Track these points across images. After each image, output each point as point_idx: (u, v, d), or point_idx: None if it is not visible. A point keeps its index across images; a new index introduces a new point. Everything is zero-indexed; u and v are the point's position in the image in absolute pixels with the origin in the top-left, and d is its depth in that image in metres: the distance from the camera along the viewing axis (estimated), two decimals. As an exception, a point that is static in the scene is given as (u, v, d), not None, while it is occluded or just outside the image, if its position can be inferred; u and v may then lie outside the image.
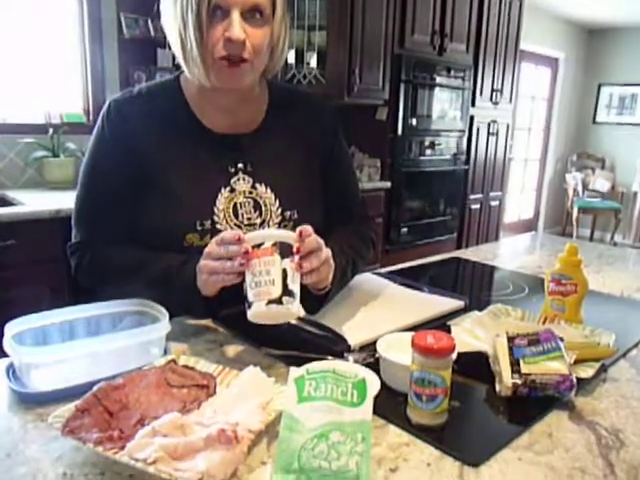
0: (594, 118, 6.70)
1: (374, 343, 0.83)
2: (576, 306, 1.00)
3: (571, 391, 0.74)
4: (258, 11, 0.92)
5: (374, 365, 0.80)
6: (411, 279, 1.26)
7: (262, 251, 0.79)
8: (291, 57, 3.15)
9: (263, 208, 1.05)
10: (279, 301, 0.77)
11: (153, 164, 1.00)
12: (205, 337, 0.95)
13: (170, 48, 0.98)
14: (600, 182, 6.42)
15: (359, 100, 3.30)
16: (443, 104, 3.79)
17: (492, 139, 4.33)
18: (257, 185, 1.05)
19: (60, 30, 2.80)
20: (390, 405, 0.73)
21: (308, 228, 0.82)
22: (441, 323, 0.99)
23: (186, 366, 0.77)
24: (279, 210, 1.05)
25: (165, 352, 0.83)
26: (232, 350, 0.91)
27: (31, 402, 0.72)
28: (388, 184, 3.49)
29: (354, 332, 0.93)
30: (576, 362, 0.80)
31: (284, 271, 0.79)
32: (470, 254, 1.62)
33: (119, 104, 1.02)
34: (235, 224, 1.02)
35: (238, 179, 1.04)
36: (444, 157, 3.90)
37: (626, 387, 0.82)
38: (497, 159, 4.45)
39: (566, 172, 6.64)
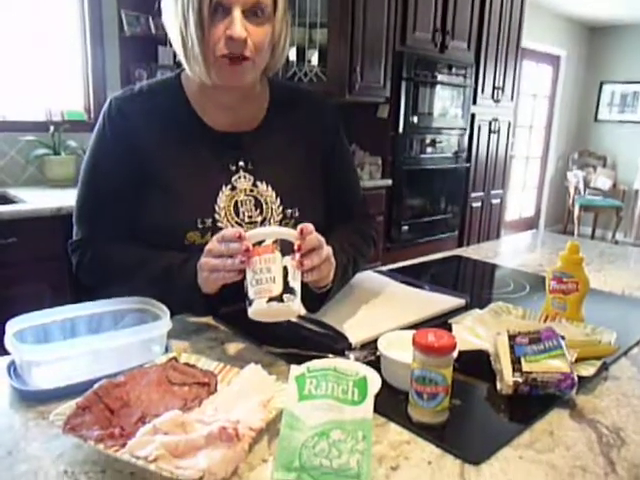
0: (596, 116, 6.69)
1: (375, 341, 0.83)
2: (577, 304, 0.99)
3: (572, 389, 0.73)
4: (259, 9, 0.92)
5: (375, 363, 0.80)
6: (412, 277, 1.26)
7: (263, 248, 0.79)
8: (292, 55, 3.15)
9: (264, 206, 1.05)
10: (280, 299, 0.77)
11: (154, 162, 1.00)
12: (206, 335, 0.95)
13: (171, 46, 0.98)
14: (601, 180, 6.41)
15: (360, 98, 3.30)
16: (444, 102, 3.78)
17: (493, 137, 4.32)
18: (258, 183, 1.05)
19: (61, 28, 2.80)
20: (391, 403, 0.73)
21: (309, 226, 0.82)
22: (442, 321, 0.99)
23: (187, 364, 0.77)
24: (280, 208, 1.05)
25: (166, 350, 0.83)
26: (233, 348, 0.91)
27: (32, 400, 0.72)
28: (389, 182, 3.49)
29: (355, 330, 0.93)
30: (577, 360, 0.80)
31: (285, 269, 0.79)
32: (471, 252, 1.62)
33: (120, 102, 1.02)
34: (236, 222, 1.02)
35: (239, 177, 1.04)
36: (445, 155, 3.89)
37: (627, 385, 0.82)
38: (498, 157, 4.44)
39: (567, 170, 6.63)
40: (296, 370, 0.69)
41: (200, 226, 0.99)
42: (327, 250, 0.86)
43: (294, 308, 0.79)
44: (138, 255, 0.99)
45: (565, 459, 0.64)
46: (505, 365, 0.76)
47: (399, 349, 0.77)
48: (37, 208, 2.14)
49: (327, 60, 3.18)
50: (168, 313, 0.85)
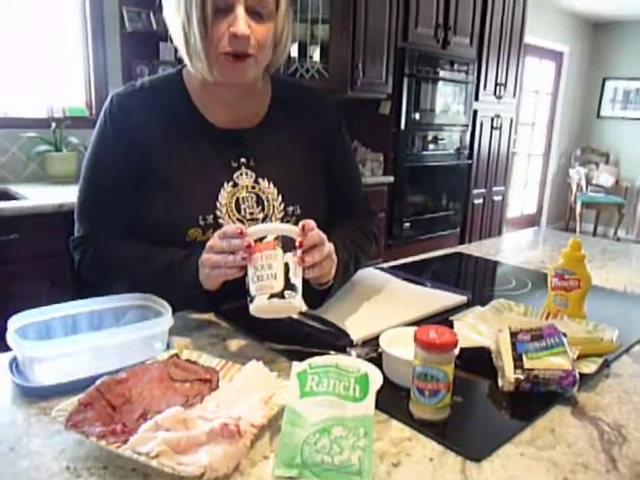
0: (598, 112, 6.67)
1: (377, 338, 0.83)
2: (579, 301, 0.99)
3: (574, 386, 0.73)
4: (262, 6, 0.92)
5: (377, 360, 0.80)
6: (414, 274, 1.26)
7: (264, 245, 0.79)
8: (294, 51, 3.14)
9: (265, 203, 1.04)
10: (281, 295, 0.77)
11: (155, 158, 1.00)
12: (208, 331, 0.95)
13: (172, 42, 0.98)
14: (604, 177, 6.40)
15: (362, 94, 3.29)
16: (446, 98, 3.77)
17: (495, 133, 4.31)
18: (260, 180, 1.05)
19: (62, 24, 2.80)
20: (392, 400, 0.73)
21: (311, 222, 0.82)
22: (444, 318, 0.99)
23: (189, 360, 0.77)
24: (282, 205, 1.05)
25: (168, 346, 0.84)
26: (235, 344, 0.91)
27: (34, 396, 0.72)
28: (391, 179, 3.48)
29: (357, 327, 0.93)
30: (579, 357, 0.80)
31: (286, 265, 0.79)
32: (473, 249, 1.62)
33: (121, 98, 1.02)
34: (237, 219, 1.02)
35: (241, 174, 1.04)
36: (447, 152, 3.89)
37: (629, 383, 0.82)
38: (500, 154, 4.44)
39: (570, 167, 6.62)
40: (298, 367, 0.69)
41: (201, 223, 0.99)
42: (329, 247, 0.86)
43: (295, 305, 0.79)
44: (139, 252, 0.99)
45: (566, 456, 0.64)
46: (507, 362, 0.76)
47: (401, 346, 0.77)
48: (38, 204, 2.14)
49: (329, 56, 3.18)
50: (170, 310, 0.85)
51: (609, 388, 0.80)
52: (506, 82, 4.28)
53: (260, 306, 0.78)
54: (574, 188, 6.40)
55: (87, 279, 1.06)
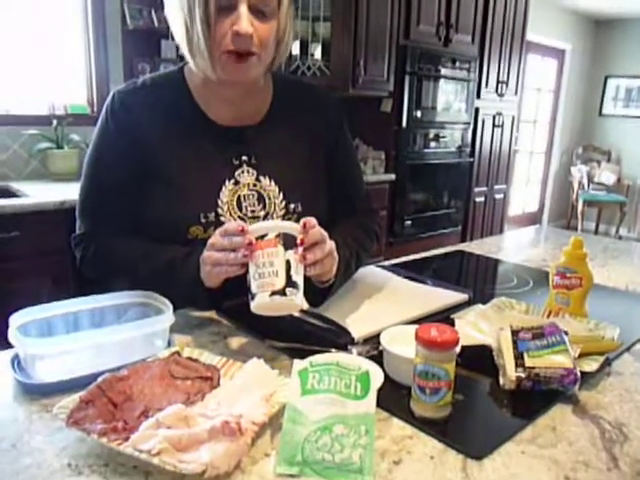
0: (600, 110, 6.65)
1: (378, 336, 0.83)
2: (581, 300, 0.99)
3: (575, 385, 0.73)
4: (265, 5, 0.92)
5: (378, 358, 0.80)
6: (415, 272, 1.26)
7: (266, 242, 0.79)
8: (295, 48, 3.14)
9: (267, 201, 1.04)
10: (282, 292, 0.77)
11: (157, 156, 1.00)
12: (209, 329, 0.95)
13: (174, 39, 0.98)
14: (606, 175, 6.39)
15: (364, 92, 3.28)
16: (448, 96, 3.77)
17: (497, 131, 4.30)
18: (261, 178, 1.05)
19: (64, 21, 2.80)
20: (394, 398, 0.73)
21: (312, 220, 0.82)
22: (445, 316, 0.99)
23: (190, 358, 0.77)
24: (283, 203, 1.05)
25: (169, 344, 0.84)
26: (236, 342, 0.91)
27: (36, 393, 0.72)
28: (392, 176, 3.48)
29: (358, 325, 0.93)
30: (580, 356, 0.80)
31: (288, 263, 0.79)
32: (474, 247, 1.62)
33: (123, 95, 1.02)
34: (239, 217, 1.02)
35: (242, 171, 1.04)
36: (449, 149, 3.88)
37: (630, 381, 0.82)
38: (502, 152, 4.43)
39: (571, 165, 6.61)
40: (299, 364, 0.69)
41: (203, 220, 0.99)
42: (330, 244, 0.86)
43: (297, 302, 0.79)
44: (141, 249, 0.99)
45: (567, 454, 0.64)
46: (508, 360, 0.76)
47: (402, 344, 0.77)
48: (40, 202, 2.14)
49: (330, 54, 3.17)
50: (171, 307, 0.85)
51: (610, 386, 0.80)
52: (508, 80, 4.27)
53: (261, 303, 0.77)
54: (576, 186, 6.40)
55: (88, 276, 1.06)
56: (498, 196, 4.52)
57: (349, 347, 0.87)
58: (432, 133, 3.71)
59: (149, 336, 0.82)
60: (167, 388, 0.70)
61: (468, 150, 4.06)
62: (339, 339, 0.90)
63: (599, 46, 6.55)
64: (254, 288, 0.78)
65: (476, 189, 4.24)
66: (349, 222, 1.13)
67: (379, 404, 0.67)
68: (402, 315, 0.98)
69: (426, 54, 3.51)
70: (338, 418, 0.62)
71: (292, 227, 0.82)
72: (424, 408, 0.68)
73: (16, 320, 0.78)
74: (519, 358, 0.76)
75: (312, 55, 3.20)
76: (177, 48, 2.82)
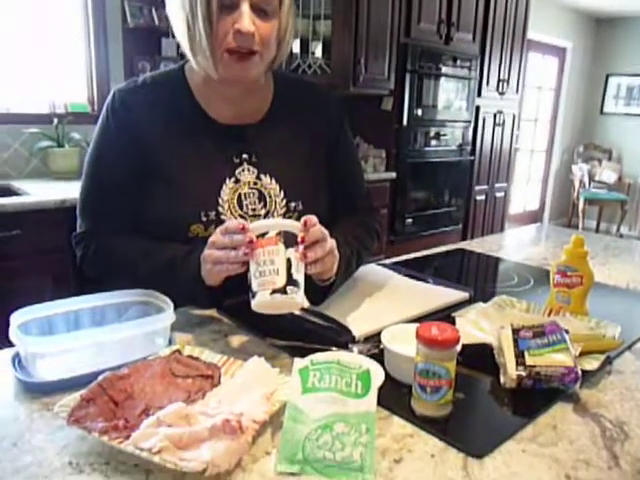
0: (601, 109, 6.64)
1: (378, 334, 0.83)
2: (582, 298, 0.99)
3: (576, 383, 0.73)
4: (267, 3, 0.92)
5: (378, 356, 0.80)
6: (416, 270, 1.26)
7: (266, 240, 0.79)
8: (296, 47, 3.13)
9: (268, 199, 1.04)
10: (283, 291, 0.77)
11: (157, 154, 1.00)
12: (210, 327, 0.95)
13: (174, 37, 0.97)
14: (607, 173, 6.38)
15: (364, 90, 3.28)
16: (449, 94, 3.76)
17: (498, 130, 4.30)
18: (262, 176, 1.05)
19: (64, 20, 2.79)
20: (394, 396, 0.73)
21: (313, 218, 0.82)
22: (446, 314, 0.99)
23: (191, 356, 0.77)
24: (284, 201, 1.05)
25: (170, 342, 0.84)
26: (236, 340, 0.91)
27: (37, 391, 0.72)
28: (393, 175, 3.48)
29: (358, 323, 0.93)
30: (581, 354, 0.80)
31: (288, 261, 0.79)
32: (475, 245, 1.62)
33: (123, 94, 1.01)
34: (240, 215, 1.02)
35: (243, 170, 1.04)
36: (449, 148, 3.88)
37: (631, 379, 0.82)
38: (503, 150, 4.43)
39: (572, 163, 6.60)
40: (300, 363, 0.69)
41: (204, 219, 0.99)
42: (331, 242, 0.86)
43: (297, 300, 0.78)
44: (142, 247, 0.99)
45: (568, 453, 0.64)
46: (509, 359, 0.76)
47: (402, 342, 0.77)
48: (41, 200, 2.14)
49: (331, 52, 3.17)
50: (172, 306, 0.85)
51: (611, 385, 0.80)
52: (509, 78, 4.27)
53: (262, 302, 0.77)
54: (577, 184, 6.39)
55: (89, 275, 1.06)
56: (499, 194, 4.52)
57: (350, 345, 0.87)
58: (433, 131, 3.71)
59: (150, 334, 0.82)
60: (168, 386, 0.70)
61: (469, 148, 4.06)
62: (340, 337, 0.90)
63: (600, 44, 6.54)
64: (255, 286, 0.78)
65: (477, 187, 4.23)
66: (350, 220, 1.13)
67: (380, 402, 0.67)
68: (403, 313, 0.98)
69: (427, 52, 3.50)
70: (339, 416, 0.62)
71: (293, 225, 0.82)
72: (425, 406, 0.68)
73: (17, 318, 0.78)
74: (520, 356, 0.76)
75: (313, 53, 3.19)
76: (178, 46, 2.81)
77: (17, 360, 0.77)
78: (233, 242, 0.80)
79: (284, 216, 1.04)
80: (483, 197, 4.34)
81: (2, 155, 2.61)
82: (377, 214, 1.29)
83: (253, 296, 0.79)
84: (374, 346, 0.85)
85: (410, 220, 3.67)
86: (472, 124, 4.03)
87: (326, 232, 0.85)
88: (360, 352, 0.83)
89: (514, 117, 4.47)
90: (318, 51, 3.20)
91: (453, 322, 0.89)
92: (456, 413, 0.70)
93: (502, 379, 0.76)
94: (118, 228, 1.02)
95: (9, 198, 2.15)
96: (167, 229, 0.99)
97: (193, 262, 0.88)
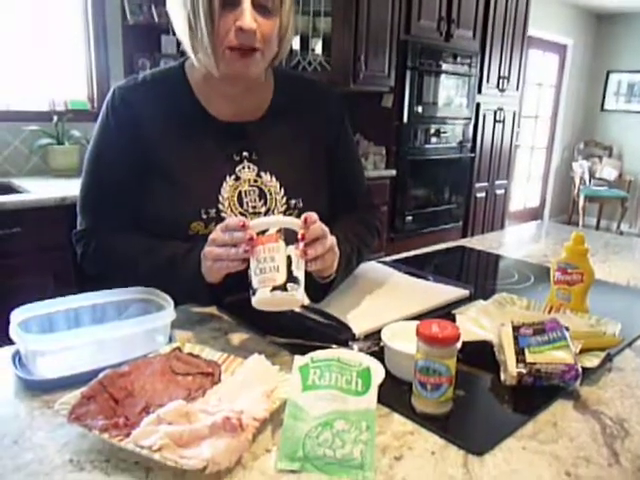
0: (602, 105, 6.63)
1: (379, 332, 0.83)
2: (582, 295, 0.99)
3: (576, 380, 0.73)
4: (268, 1, 0.91)
5: (379, 354, 0.80)
6: (416, 268, 1.26)
7: (267, 237, 0.79)
8: (296, 43, 3.13)
9: (268, 196, 1.04)
10: (284, 288, 0.77)
11: (158, 151, 1.00)
12: (210, 325, 0.95)
13: (174, 34, 0.97)
14: (607, 170, 6.37)
15: (365, 87, 3.28)
16: (449, 91, 3.76)
17: (498, 127, 4.30)
18: (262, 173, 1.05)
19: (64, 17, 2.79)
20: (395, 394, 0.73)
21: (313, 215, 0.82)
22: (446, 312, 0.99)
23: (191, 354, 0.77)
24: (284, 199, 1.05)
25: (170, 340, 0.84)
26: (237, 338, 0.91)
27: (37, 389, 0.72)
28: (393, 172, 3.48)
29: (359, 321, 0.93)
30: (581, 351, 0.80)
31: (289, 258, 0.79)
32: (475, 243, 1.62)
33: (123, 91, 1.01)
34: (240, 212, 1.02)
35: (243, 167, 1.04)
36: (450, 145, 3.88)
37: (631, 377, 0.82)
38: (503, 147, 4.42)
39: (573, 160, 6.59)
40: (300, 360, 0.69)
41: (204, 216, 0.99)
42: (331, 240, 0.86)
43: (298, 297, 0.79)
44: (142, 245, 0.99)
45: (569, 450, 0.64)
46: (509, 356, 0.76)
47: (403, 340, 0.77)
48: (41, 198, 2.14)
49: (331, 49, 3.16)
50: (172, 303, 0.85)
51: (611, 382, 0.80)
52: (509, 75, 4.26)
53: (262, 299, 0.77)
54: (577, 181, 6.39)
55: (89, 272, 1.06)
56: (499, 191, 4.52)
57: (350, 343, 0.87)
58: (433, 128, 3.71)
59: (150, 332, 0.82)
60: (168, 384, 0.70)
61: (469, 145, 4.06)
62: (340, 335, 0.90)
63: (601, 41, 6.53)
64: (255, 283, 0.78)
65: (477, 184, 4.23)
66: (350, 218, 1.13)
67: (380, 400, 0.67)
68: (403, 311, 0.98)
69: (427, 49, 3.50)
70: (339, 414, 0.62)
71: (293, 222, 0.82)
72: (425, 404, 0.69)
73: (17, 316, 0.78)
74: (520, 354, 0.76)
75: (313, 50, 3.19)
76: (177, 43, 2.82)
77: (17, 358, 0.77)
78: (233, 239, 0.80)
79: (284, 213, 1.04)
80: (483, 194, 4.34)
81: (2, 153, 2.61)
82: (377, 211, 1.29)
83: (253, 293, 0.79)
84: (374, 343, 0.85)
85: (410, 217, 3.67)
86: (472, 121, 4.03)
87: (326, 229, 0.84)
88: (360, 349, 0.83)
89: (514, 114, 4.47)
90: (318, 48, 3.20)
91: (453, 319, 0.89)
92: (456, 410, 0.70)
93: (502, 376, 0.76)
94: (118, 226, 1.02)
95: (9, 196, 2.15)
96: (167, 227, 0.99)
97: (193, 259, 0.88)
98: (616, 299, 1.17)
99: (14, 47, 2.65)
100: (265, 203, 1.04)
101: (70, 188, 2.24)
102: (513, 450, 0.63)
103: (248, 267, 0.80)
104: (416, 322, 0.71)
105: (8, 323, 0.76)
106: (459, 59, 3.73)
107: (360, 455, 0.59)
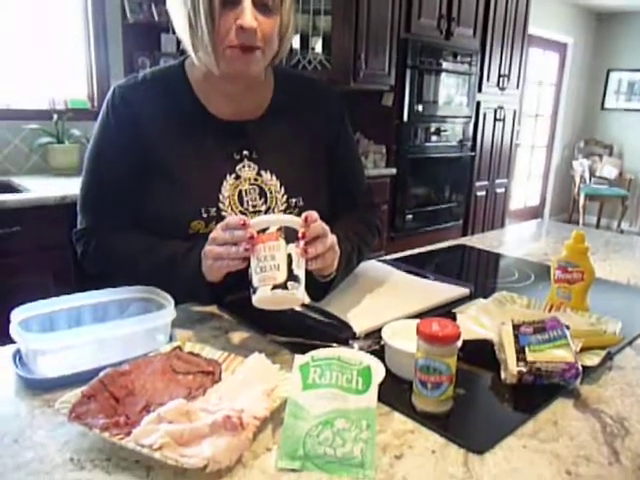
0: (602, 104, 6.63)
1: (379, 330, 0.83)
2: (582, 294, 0.99)
3: (576, 379, 0.73)
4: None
5: (379, 352, 0.80)
6: (416, 266, 1.26)
7: (267, 236, 0.79)
8: (296, 42, 3.12)
9: (268, 195, 1.04)
10: (284, 286, 0.77)
11: (158, 150, 1.00)
12: (210, 324, 0.95)
13: (174, 33, 0.97)
14: (607, 169, 6.37)
15: (365, 86, 3.27)
16: (449, 90, 3.75)
17: (499, 125, 4.29)
18: (262, 172, 1.05)
19: (64, 16, 2.79)
20: (395, 392, 0.73)
21: (314, 214, 0.82)
22: (446, 311, 0.99)
23: (191, 353, 0.77)
24: (284, 197, 1.05)
25: (170, 339, 0.84)
26: (237, 337, 0.91)
27: (38, 388, 0.72)
28: (393, 171, 3.47)
29: (359, 319, 0.93)
30: (582, 350, 0.80)
31: (289, 256, 0.79)
32: (476, 241, 1.62)
33: (123, 90, 1.01)
34: (240, 211, 1.02)
35: (243, 166, 1.04)
36: (450, 143, 3.87)
37: (632, 375, 0.82)
38: (503, 146, 4.42)
39: (573, 159, 6.59)
40: (300, 359, 0.69)
41: (204, 215, 0.99)
42: (331, 238, 0.86)
43: (298, 296, 0.79)
44: (142, 244, 0.99)
45: (569, 449, 0.64)
46: (509, 355, 0.76)
47: (403, 338, 0.77)
48: (41, 197, 2.14)
49: (331, 47, 3.16)
50: (172, 302, 0.85)
51: (612, 380, 0.80)
52: (509, 73, 4.26)
53: (263, 297, 0.77)
54: (577, 180, 6.38)
55: (90, 271, 1.06)
56: (499, 190, 4.52)
57: (350, 342, 0.87)
58: (433, 127, 3.71)
59: (151, 331, 0.82)
60: (169, 383, 0.70)
61: (469, 144, 4.05)
62: (340, 334, 0.90)
63: (601, 39, 6.52)
64: (256, 282, 0.78)
65: (477, 183, 4.23)
66: (350, 216, 1.13)
67: (380, 399, 0.67)
68: (403, 309, 0.98)
69: (427, 47, 3.49)
70: (339, 412, 0.62)
71: (293, 221, 0.82)
72: (425, 402, 0.69)
73: (18, 315, 0.78)
74: (520, 352, 0.76)
75: (313, 49, 3.18)
76: (177, 42, 2.81)
77: (18, 357, 0.77)
78: (234, 238, 0.80)
79: (285, 212, 1.04)
80: (484, 193, 4.33)
81: (2, 151, 2.61)
82: (377, 210, 1.29)
83: (254, 292, 0.78)
84: (375, 342, 0.85)
85: (410, 216, 3.67)
86: (473, 120, 4.02)
87: (327, 228, 0.84)
88: (361, 348, 0.84)
89: (515, 113, 4.46)
90: (318, 47, 3.20)
91: (454, 318, 0.89)
92: (457, 409, 0.70)
93: (503, 375, 0.76)
94: (118, 224, 1.02)
95: (9, 194, 2.14)
96: (168, 225, 0.99)
97: (194, 258, 0.88)
98: (616, 298, 1.17)
99: (14, 46, 2.65)
100: (265, 202, 1.04)
101: (70, 187, 2.24)
102: (513, 449, 0.63)
103: (248, 266, 0.80)
104: (416, 321, 0.71)
105: (8, 322, 0.76)
106: (459, 57, 3.73)
107: (360, 454, 0.59)
